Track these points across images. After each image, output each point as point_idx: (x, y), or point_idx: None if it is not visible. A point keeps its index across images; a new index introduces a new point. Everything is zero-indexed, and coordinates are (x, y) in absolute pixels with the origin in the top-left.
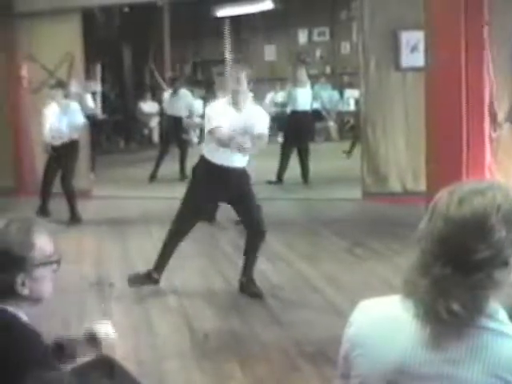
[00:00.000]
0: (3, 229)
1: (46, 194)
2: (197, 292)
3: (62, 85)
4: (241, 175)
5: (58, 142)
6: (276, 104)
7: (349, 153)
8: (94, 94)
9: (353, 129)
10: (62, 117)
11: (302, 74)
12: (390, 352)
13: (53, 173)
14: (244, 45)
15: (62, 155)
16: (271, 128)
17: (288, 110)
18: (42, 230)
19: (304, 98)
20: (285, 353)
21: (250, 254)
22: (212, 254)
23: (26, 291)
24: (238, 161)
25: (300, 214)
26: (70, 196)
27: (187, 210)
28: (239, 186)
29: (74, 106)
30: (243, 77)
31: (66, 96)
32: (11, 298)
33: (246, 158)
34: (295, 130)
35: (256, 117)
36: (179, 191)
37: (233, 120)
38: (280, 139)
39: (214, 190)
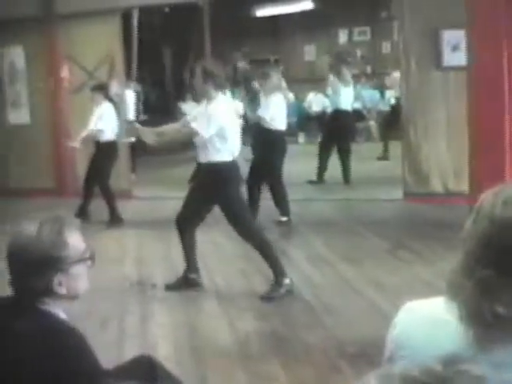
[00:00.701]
0: (36, 231)
1: (87, 194)
2: (238, 293)
3: (101, 87)
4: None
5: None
6: (317, 104)
7: (383, 159)
8: (137, 93)
9: (385, 129)
10: (102, 118)
11: (346, 73)
12: (434, 354)
13: (94, 173)
14: (283, 45)
15: (100, 156)
16: (311, 128)
17: (330, 109)
18: (73, 228)
19: (346, 98)
20: (326, 354)
21: None
22: (253, 255)
23: (63, 290)
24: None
25: (341, 215)
26: (108, 197)
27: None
28: None
29: (112, 108)
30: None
31: (107, 98)
32: (49, 297)
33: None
34: (335, 130)
35: None
36: None
37: None
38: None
39: None
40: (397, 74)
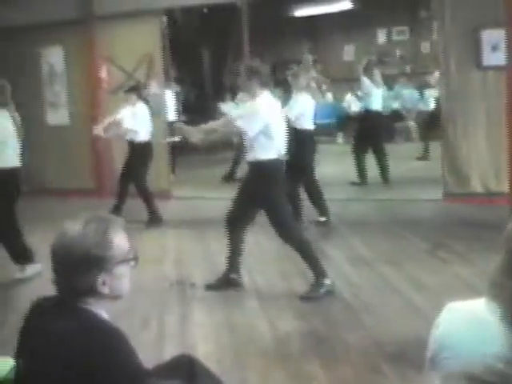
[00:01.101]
0: (81, 231)
1: (121, 194)
2: (279, 293)
3: (135, 88)
4: None
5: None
6: (356, 104)
7: (422, 159)
8: (176, 94)
9: (425, 129)
10: (136, 118)
11: (377, 74)
12: (476, 354)
13: (128, 174)
14: (322, 45)
15: (135, 157)
16: (350, 128)
17: (361, 110)
18: (118, 228)
19: (377, 99)
20: (366, 354)
21: None
22: (294, 256)
23: (106, 290)
24: None
25: (381, 215)
26: (146, 197)
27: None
28: None
29: (146, 109)
30: None
31: (140, 98)
32: (92, 297)
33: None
34: (366, 130)
35: None
36: None
37: None
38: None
39: None
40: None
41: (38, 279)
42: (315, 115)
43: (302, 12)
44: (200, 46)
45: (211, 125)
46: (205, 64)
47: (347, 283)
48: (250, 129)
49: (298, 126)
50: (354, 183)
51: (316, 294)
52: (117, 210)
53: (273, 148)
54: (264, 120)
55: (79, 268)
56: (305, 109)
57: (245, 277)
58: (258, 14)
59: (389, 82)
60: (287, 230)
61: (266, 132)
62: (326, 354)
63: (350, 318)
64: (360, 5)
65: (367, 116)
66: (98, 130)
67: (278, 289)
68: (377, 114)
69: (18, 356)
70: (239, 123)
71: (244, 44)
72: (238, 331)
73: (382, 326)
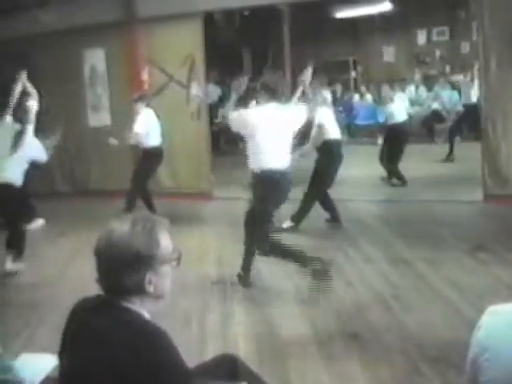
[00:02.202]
0: (130, 230)
1: (146, 199)
2: (319, 293)
3: (142, 98)
4: None
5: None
6: None
7: (448, 160)
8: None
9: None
10: (145, 124)
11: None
12: None
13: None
14: (362, 46)
15: (145, 160)
16: None
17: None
18: (164, 228)
19: (399, 110)
20: (407, 356)
21: None
22: (334, 257)
23: (151, 289)
24: None
25: (421, 216)
26: (134, 197)
27: None
28: None
29: (153, 114)
30: None
31: (148, 106)
32: (137, 296)
33: None
34: (390, 138)
35: None
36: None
37: None
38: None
39: None
40: None
41: (79, 279)
42: (355, 116)
43: (342, 13)
44: (241, 48)
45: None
46: (245, 66)
47: (387, 284)
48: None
49: (327, 137)
50: (394, 184)
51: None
52: (150, 210)
53: (263, 158)
54: (253, 126)
55: (127, 266)
56: (327, 119)
57: (285, 277)
58: (299, 16)
59: (429, 82)
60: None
61: (254, 140)
62: (366, 354)
63: (390, 319)
64: (400, 6)
65: (390, 127)
66: (112, 140)
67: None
68: (400, 124)
69: (61, 354)
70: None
71: (285, 45)
72: (279, 331)
73: (422, 327)
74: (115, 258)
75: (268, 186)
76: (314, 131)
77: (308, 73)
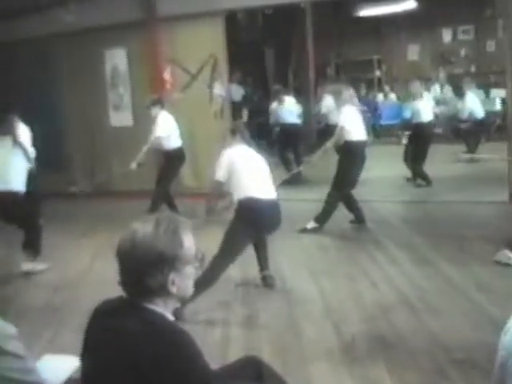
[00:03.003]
0: (153, 230)
1: (168, 201)
2: (344, 296)
3: (157, 102)
4: None
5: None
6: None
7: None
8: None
9: (469, 132)
10: (164, 127)
11: (417, 85)
12: None
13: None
14: (386, 45)
15: (167, 162)
16: None
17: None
18: (188, 229)
19: (424, 110)
20: (433, 359)
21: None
22: (359, 259)
23: (175, 289)
24: None
25: (446, 217)
26: (159, 199)
27: None
28: None
29: (170, 116)
30: None
31: (163, 108)
32: (160, 297)
33: None
34: (414, 138)
35: None
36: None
37: None
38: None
39: None
40: None
41: (101, 280)
42: (380, 116)
43: (366, 12)
44: (263, 47)
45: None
46: (268, 65)
47: (412, 286)
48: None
49: (349, 138)
50: (419, 185)
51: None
52: (172, 210)
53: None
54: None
55: (151, 267)
56: (355, 120)
57: (310, 279)
58: (322, 15)
59: (454, 81)
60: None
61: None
62: (392, 357)
63: (416, 322)
64: (425, 4)
65: (419, 128)
66: (133, 165)
67: (343, 291)
68: (426, 124)
69: (83, 356)
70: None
71: (307, 44)
72: (303, 333)
73: (448, 329)
74: (139, 259)
75: (250, 213)
76: (336, 130)
77: None
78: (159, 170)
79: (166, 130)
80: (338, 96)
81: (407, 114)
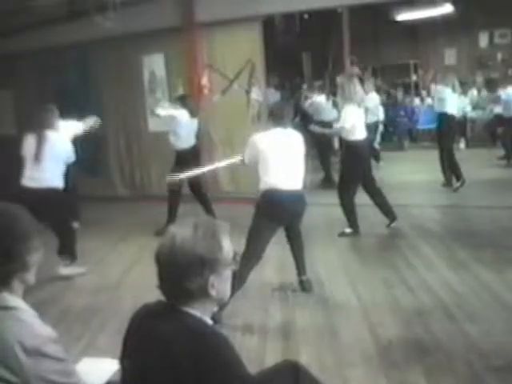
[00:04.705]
0: (193, 234)
1: (203, 201)
2: (381, 300)
3: (181, 98)
4: None
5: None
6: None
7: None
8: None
9: (506, 136)
10: (177, 124)
11: (454, 79)
12: None
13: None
14: (423, 49)
15: (188, 161)
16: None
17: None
18: (225, 232)
19: (452, 103)
20: (470, 365)
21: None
22: (396, 264)
23: (214, 292)
24: None
25: (482, 222)
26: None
27: None
28: None
29: (188, 116)
30: None
31: (185, 107)
32: (199, 301)
33: None
34: (441, 133)
35: None
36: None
37: None
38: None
39: None
40: None
41: (140, 285)
42: (416, 121)
43: (403, 16)
44: (300, 51)
45: None
46: (305, 69)
47: (449, 290)
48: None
49: (352, 138)
50: (456, 189)
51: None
52: (209, 214)
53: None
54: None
55: (192, 271)
56: (357, 119)
57: (347, 284)
58: (359, 19)
59: (491, 85)
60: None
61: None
62: (428, 362)
63: (453, 327)
64: (461, 8)
65: (441, 119)
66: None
67: (380, 296)
68: (451, 117)
69: (122, 359)
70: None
71: (344, 48)
72: (340, 338)
73: (485, 335)
74: (179, 263)
75: (269, 206)
76: (336, 128)
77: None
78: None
79: (180, 131)
80: (342, 90)
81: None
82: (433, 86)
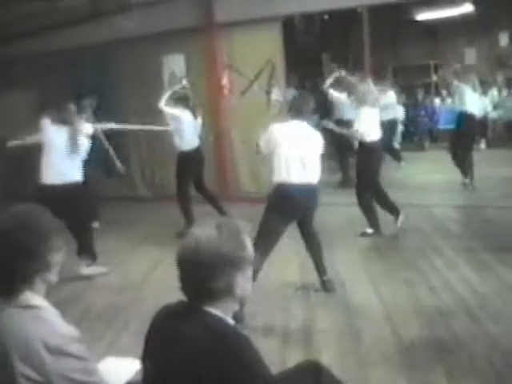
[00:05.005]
0: (218, 235)
1: (211, 199)
2: (402, 300)
3: (183, 98)
4: None
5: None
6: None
7: None
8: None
9: None
10: (179, 124)
11: (474, 79)
12: None
13: (187, 180)
14: (443, 49)
15: (192, 162)
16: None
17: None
18: (247, 232)
19: (473, 102)
20: (492, 365)
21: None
22: (418, 265)
23: (239, 291)
24: None
25: (503, 222)
26: (183, 202)
27: None
28: None
29: (191, 117)
30: None
31: (187, 108)
32: (223, 300)
33: None
34: (460, 132)
35: None
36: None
37: None
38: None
39: None
40: None
41: (162, 285)
42: (437, 121)
43: (423, 16)
44: (320, 52)
45: None
46: (325, 69)
47: (471, 291)
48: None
49: (367, 139)
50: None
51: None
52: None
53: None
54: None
55: (218, 270)
56: (371, 121)
57: (369, 285)
58: (379, 19)
59: (511, 85)
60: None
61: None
62: (450, 363)
63: (475, 327)
64: (481, 8)
65: (461, 118)
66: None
67: (401, 296)
68: (470, 116)
69: (144, 359)
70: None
71: (364, 49)
72: (362, 338)
73: (508, 335)
74: (204, 263)
75: (280, 199)
76: (351, 131)
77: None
78: (176, 173)
79: (182, 131)
80: (352, 91)
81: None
82: (455, 82)
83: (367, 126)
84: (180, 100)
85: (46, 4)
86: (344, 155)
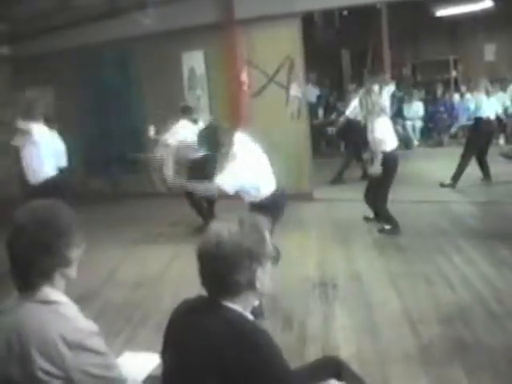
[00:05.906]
0: (240, 229)
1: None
2: (421, 297)
3: (185, 110)
4: None
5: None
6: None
7: None
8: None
9: None
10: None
11: (486, 84)
12: None
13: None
14: (462, 45)
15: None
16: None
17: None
18: (266, 227)
19: (489, 107)
20: (511, 361)
21: None
22: (436, 260)
23: (259, 285)
24: None
25: None
26: (194, 204)
27: None
28: None
29: (191, 126)
30: None
31: (187, 118)
32: (243, 294)
33: None
34: (477, 137)
35: None
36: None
37: None
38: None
39: None
40: None
41: (180, 280)
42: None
43: (442, 12)
44: (339, 48)
45: None
46: (344, 65)
47: (490, 287)
48: None
49: (384, 149)
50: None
51: None
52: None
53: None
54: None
55: (240, 264)
56: (387, 130)
57: (387, 281)
58: (398, 15)
59: None
60: None
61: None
62: (469, 359)
63: (494, 323)
64: (501, 3)
65: (477, 122)
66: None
67: (420, 292)
68: (486, 121)
69: (163, 354)
70: None
71: (384, 45)
72: (380, 334)
73: None
74: (227, 258)
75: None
76: (373, 141)
77: None
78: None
79: (175, 139)
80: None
81: (471, 106)
82: (470, 96)
83: (385, 134)
84: (180, 110)
85: (64, 2)
86: (357, 152)
